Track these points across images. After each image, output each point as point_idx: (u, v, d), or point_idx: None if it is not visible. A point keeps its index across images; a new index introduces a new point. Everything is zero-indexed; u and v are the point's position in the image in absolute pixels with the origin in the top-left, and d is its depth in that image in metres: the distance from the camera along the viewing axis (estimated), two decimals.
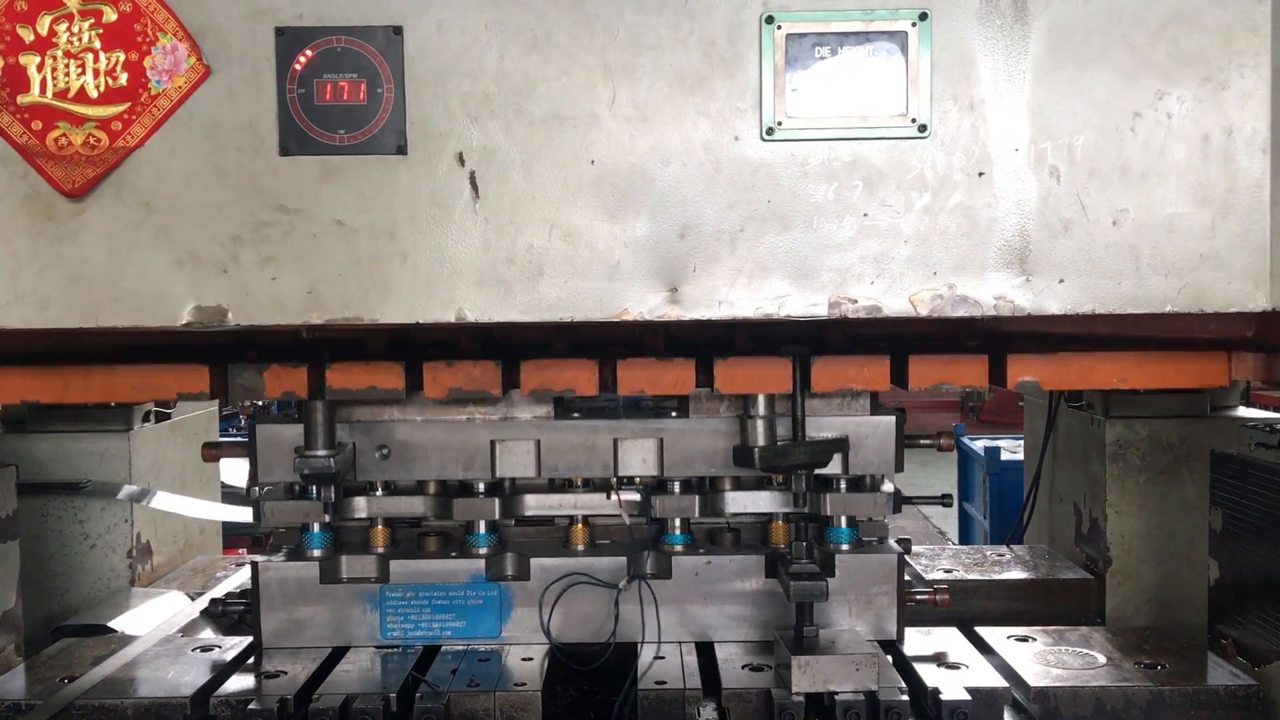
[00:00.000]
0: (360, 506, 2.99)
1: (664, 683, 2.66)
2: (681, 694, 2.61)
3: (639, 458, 2.95)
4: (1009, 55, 2.27)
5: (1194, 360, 2.68)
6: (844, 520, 2.95)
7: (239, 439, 3.17)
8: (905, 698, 2.53)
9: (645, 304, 2.33)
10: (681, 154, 2.30)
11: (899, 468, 2.93)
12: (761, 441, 2.82)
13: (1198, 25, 2.26)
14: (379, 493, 3.00)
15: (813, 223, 2.31)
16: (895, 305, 2.33)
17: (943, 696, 2.54)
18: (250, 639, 2.94)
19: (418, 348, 2.90)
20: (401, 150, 2.30)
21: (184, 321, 2.32)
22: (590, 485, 3.04)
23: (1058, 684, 2.63)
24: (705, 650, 2.89)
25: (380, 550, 2.99)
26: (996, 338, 2.80)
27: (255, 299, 2.33)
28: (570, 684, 2.94)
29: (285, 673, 2.75)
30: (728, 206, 2.32)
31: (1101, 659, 2.78)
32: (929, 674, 2.69)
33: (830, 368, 2.73)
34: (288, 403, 2.93)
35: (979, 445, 7.78)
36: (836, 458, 2.87)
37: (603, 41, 2.28)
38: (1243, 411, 3.58)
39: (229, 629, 3.24)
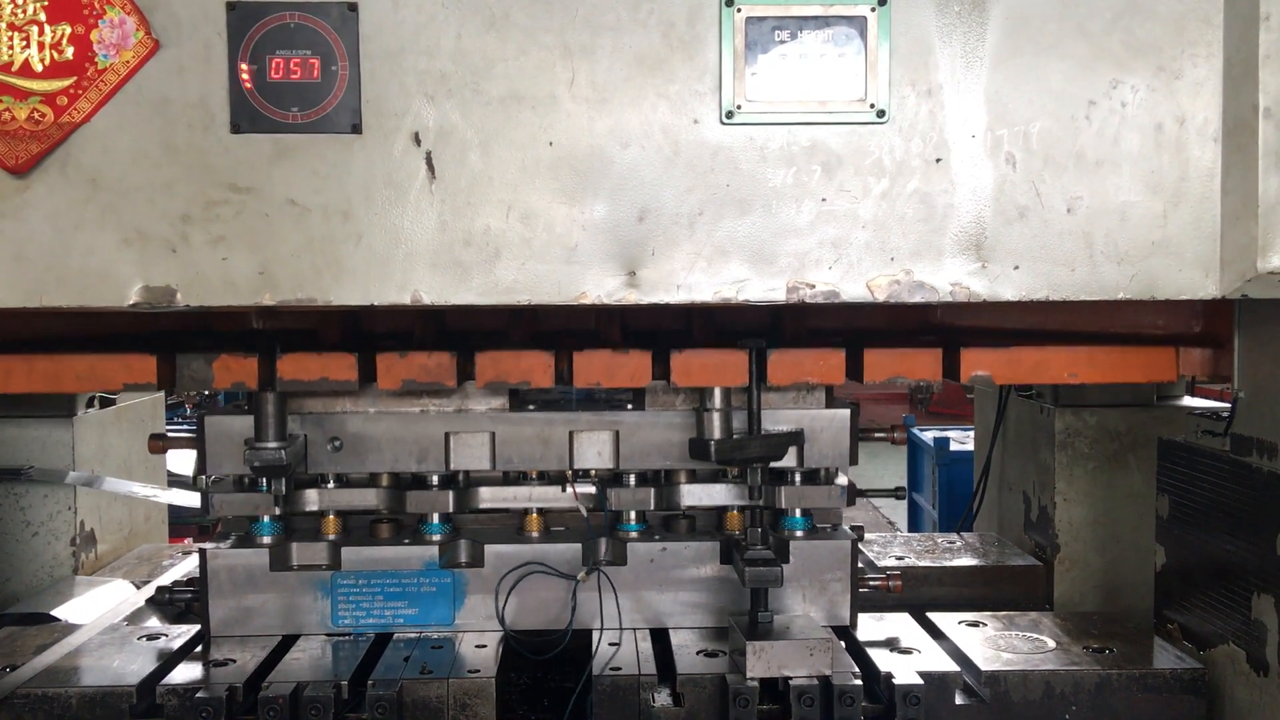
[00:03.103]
0: (312, 499, 2.95)
1: (619, 669, 2.65)
2: (636, 680, 2.61)
3: (594, 450, 2.93)
4: (967, 42, 2.28)
5: (1143, 355, 2.72)
6: (799, 511, 2.95)
7: (187, 429, 3.12)
8: (858, 682, 2.54)
9: (603, 287, 2.32)
10: (640, 136, 2.29)
11: (853, 460, 2.94)
12: (717, 434, 2.81)
13: (1152, 15, 2.29)
14: (331, 485, 2.96)
15: (771, 207, 2.31)
16: (853, 291, 2.33)
17: (895, 681, 2.56)
18: (198, 627, 2.90)
19: (371, 338, 2.87)
20: (356, 129, 2.27)
21: (131, 302, 2.27)
22: (545, 478, 3.02)
23: (1008, 668, 2.67)
24: (660, 637, 2.88)
25: (332, 537, 2.94)
26: (950, 331, 2.82)
27: (205, 279, 2.28)
28: (524, 671, 2.92)
29: (234, 661, 2.71)
30: (686, 190, 2.31)
31: (1051, 643, 2.82)
32: (882, 659, 2.71)
33: (786, 360, 2.72)
34: (235, 394, 2.88)
35: (928, 436, 7.85)
36: (792, 451, 2.88)
37: (561, 21, 2.26)
38: (1188, 401, 3.64)
39: (176, 618, 3.18)
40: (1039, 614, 3.10)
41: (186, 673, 2.65)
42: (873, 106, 2.29)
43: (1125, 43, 2.29)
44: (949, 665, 2.69)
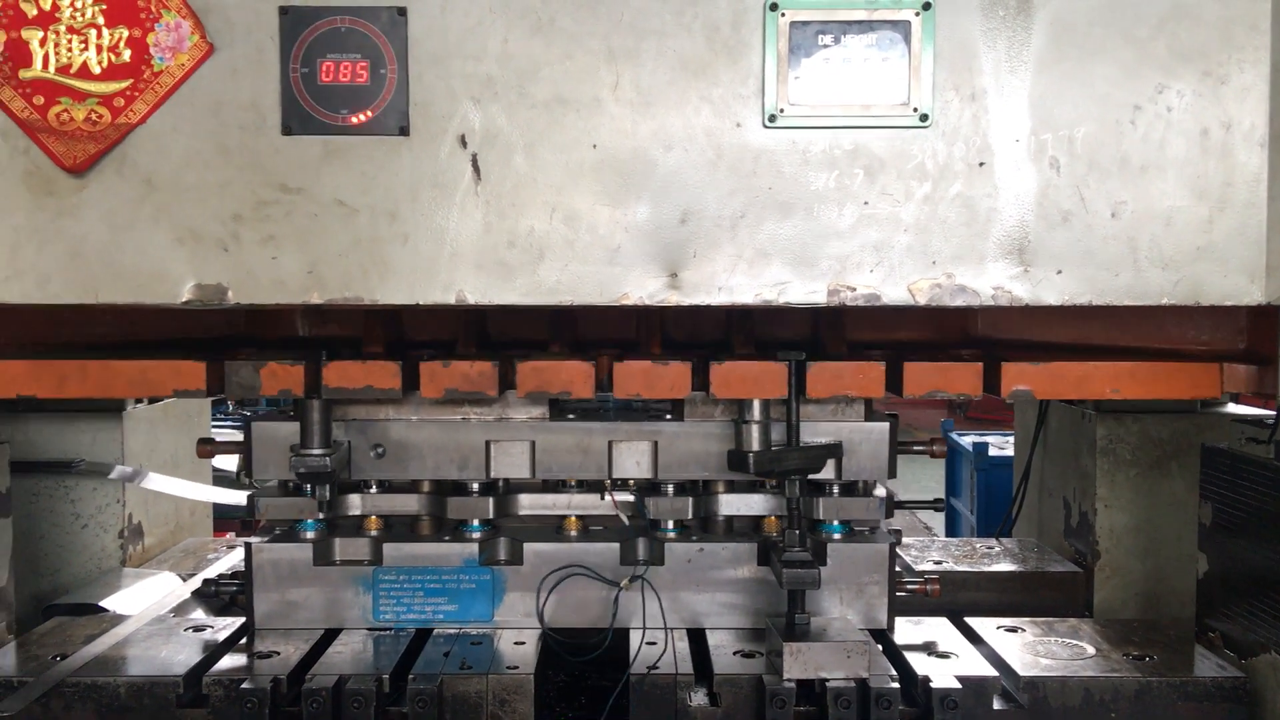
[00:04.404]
0: (355, 504, 3.00)
1: (656, 668, 2.66)
2: (673, 679, 2.62)
3: (633, 460, 2.96)
4: (1011, 46, 2.28)
5: (1187, 370, 2.68)
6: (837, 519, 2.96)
7: (231, 424, 3.17)
8: (896, 685, 2.54)
9: (645, 289, 2.34)
10: (683, 140, 2.31)
11: (892, 474, 2.94)
12: (756, 446, 2.82)
13: (1198, 20, 2.28)
14: (373, 490, 3.00)
15: (813, 210, 2.32)
16: (894, 294, 2.34)
17: (933, 685, 2.56)
18: (242, 620, 2.94)
19: (414, 347, 2.90)
20: (404, 131, 2.31)
21: (184, 299, 2.32)
22: (584, 486, 3.06)
23: (1047, 674, 2.65)
24: (697, 637, 2.90)
25: (373, 533, 2.99)
26: (991, 345, 2.80)
27: (255, 278, 2.32)
28: (561, 669, 2.95)
29: (278, 653, 2.75)
30: (729, 193, 2.32)
31: (1090, 650, 2.80)
32: (919, 663, 2.70)
33: (826, 373, 2.71)
34: (275, 401, 2.93)
35: (967, 441, 7.80)
36: (830, 463, 2.88)
37: (606, 26, 2.28)
38: (1232, 408, 3.61)
39: (220, 610, 3.23)
40: (1078, 620, 3.08)
41: (231, 663, 2.70)
42: (916, 110, 2.30)
43: (1171, 48, 2.29)
44: (987, 670, 2.68)
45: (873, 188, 2.31)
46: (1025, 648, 2.81)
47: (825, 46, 2.29)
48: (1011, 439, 5.89)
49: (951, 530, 8.32)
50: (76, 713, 2.58)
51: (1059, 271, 2.32)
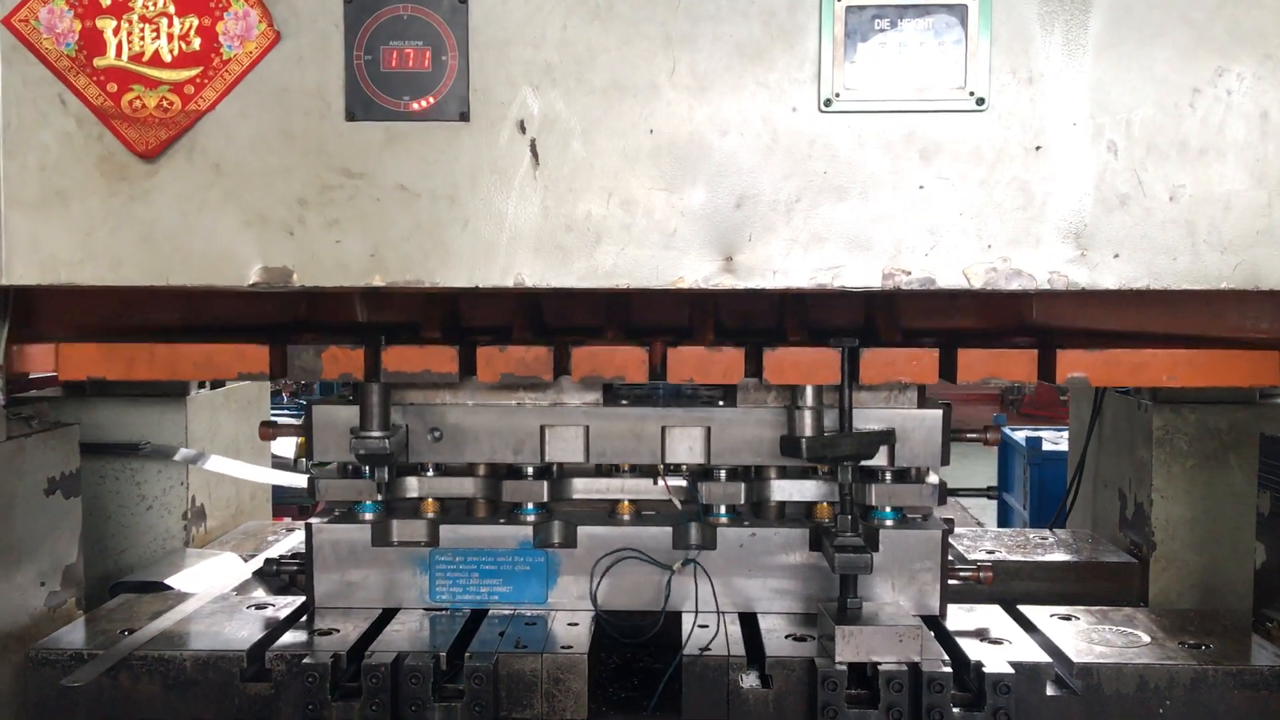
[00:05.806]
0: (412, 486, 3.05)
1: (708, 650, 2.69)
2: (725, 661, 2.64)
3: (686, 445, 2.98)
4: (1069, 29, 2.28)
5: (1245, 357, 2.65)
6: (889, 506, 2.97)
7: (285, 414, 3.23)
8: (948, 669, 2.54)
9: (700, 272, 2.36)
10: (739, 124, 2.33)
11: (945, 461, 2.94)
12: (809, 432, 2.83)
13: (1258, 2, 2.26)
14: (430, 474, 3.05)
15: (868, 194, 2.33)
16: (949, 277, 2.34)
17: (986, 669, 2.55)
18: (303, 599, 3.00)
19: (470, 333, 2.95)
20: (464, 117, 2.35)
21: (251, 282, 2.38)
22: (637, 471, 3.08)
23: (1101, 660, 2.64)
24: (749, 621, 2.91)
25: (430, 516, 3.04)
26: (1046, 332, 2.80)
27: (320, 261, 2.38)
28: (613, 650, 2.98)
29: (338, 631, 2.81)
30: (784, 177, 2.34)
31: (1145, 638, 2.78)
32: (971, 648, 2.70)
33: (879, 359, 2.72)
34: (330, 385, 2.99)
35: (1020, 436, 7.75)
36: (883, 450, 2.88)
37: (664, 12, 2.31)
38: None
39: (280, 590, 3.30)
40: (1133, 609, 3.06)
41: (293, 640, 2.76)
42: (972, 94, 2.30)
43: (1230, 30, 2.27)
44: (1040, 656, 2.67)
45: (928, 171, 2.32)
46: (1079, 635, 2.80)
47: (881, 31, 2.30)
48: (1065, 434, 5.84)
49: (1004, 525, 8.25)
50: (143, 685, 2.65)
51: (1116, 255, 2.32)
